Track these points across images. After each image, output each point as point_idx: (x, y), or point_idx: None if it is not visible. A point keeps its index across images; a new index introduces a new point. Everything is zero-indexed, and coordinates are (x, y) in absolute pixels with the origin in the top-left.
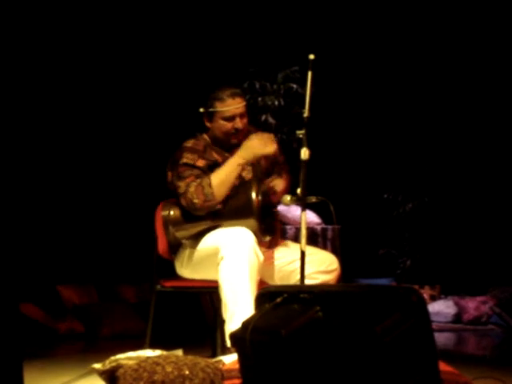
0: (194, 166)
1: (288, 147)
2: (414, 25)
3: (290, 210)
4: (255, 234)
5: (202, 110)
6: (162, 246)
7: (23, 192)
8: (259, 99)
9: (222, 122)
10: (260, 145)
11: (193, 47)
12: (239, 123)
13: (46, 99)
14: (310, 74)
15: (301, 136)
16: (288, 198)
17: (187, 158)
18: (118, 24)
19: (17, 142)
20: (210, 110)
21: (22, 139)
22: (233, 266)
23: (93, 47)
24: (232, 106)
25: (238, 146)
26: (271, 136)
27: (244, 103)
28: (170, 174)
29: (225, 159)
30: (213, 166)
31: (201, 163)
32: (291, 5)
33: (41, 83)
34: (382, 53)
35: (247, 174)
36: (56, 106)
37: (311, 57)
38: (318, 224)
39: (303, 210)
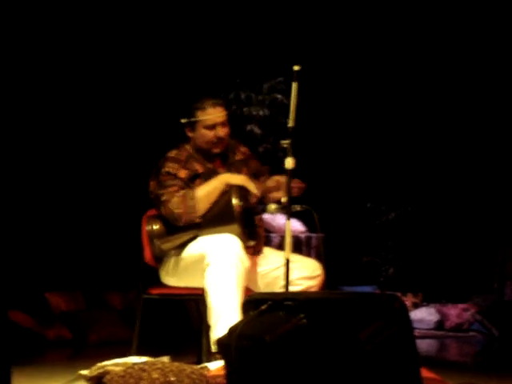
0: (175, 176)
1: (273, 157)
2: (399, 36)
3: (275, 219)
4: (239, 238)
5: (183, 120)
6: (148, 254)
7: (11, 199)
8: (245, 109)
9: (203, 130)
10: (249, 181)
11: (178, 58)
12: (221, 132)
13: (33, 101)
14: (294, 84)
15: (286, 146)
16: (273, 206)
17: (169, 168)
18: (98, 29)
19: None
20: (192, 119)
21: (6, 148)
22: (219, 272)
23: (81, 57)
24: (213, 114)
25: (220, 156)
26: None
27: (225, 112)
28: (152, 183)
29: (206, 169)
30: (194, 177)
31: (182, 174)
32: (276, 16)
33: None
34: (365, 64)
35: (227, 187)
36: (42, 116)
37: (296, 68)
38: (303, 232)
39: (288, 218)
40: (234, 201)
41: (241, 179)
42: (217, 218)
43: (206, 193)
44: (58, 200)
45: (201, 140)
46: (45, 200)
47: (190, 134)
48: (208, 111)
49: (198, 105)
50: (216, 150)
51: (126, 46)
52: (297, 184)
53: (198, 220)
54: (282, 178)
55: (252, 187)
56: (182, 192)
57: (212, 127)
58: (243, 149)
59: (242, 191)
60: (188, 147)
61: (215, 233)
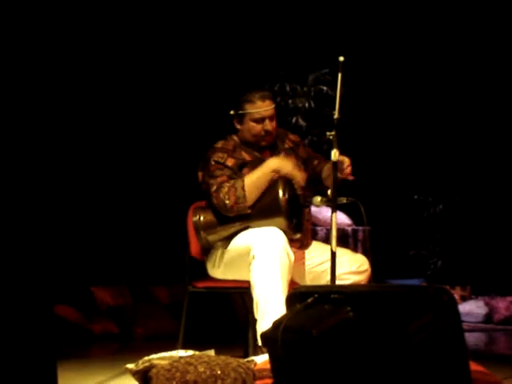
0: (224, 165)
1: (318, 149)
2: (445, 26)
3: (321, 211)
4: (285, 231)
5: (232, 112)
6: (194, 247)
7: (57, 194)
8: (290, 101)
9: (251, 123)
10: (294, 167)
11: (225, 50)
12: (268, 125)
13: (79, 98)
14: (339, 75)
15: (331, 137)
16: (319, 199)
17: (218, 157)
18: (149, 24)
19: (49, 145)
20: (240, 112)
21: (54, 142)
22: (264, 265)
23: (126, 46)
24: (262, 108)
25: (268, 148)
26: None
27: (273, 106)
28: (200, 174)
29: (254, 158)
30: (242, 165)
31: (230, 162)
32: (321, 7)
33: (78, 82)
34: (412, 54)
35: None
36: (90, 105)
37: (341, 59)
38: (349, 225)
39: (334, 211)
40: (281, 193)
41: (288, 165)
42: (263, 210)
43: (254, 180)
44: (105, 194)
45: (248, 133)
46: (91, 194)
47: (237, 126)
48: (257, 104)
49: (246, 97)
50: (263, 143)
51: (175, 37)
52: (347, 164)
53: (248, 210)
54: (342, 158)
55: (298, 175)
56: (231, 182)
57: (260, 120)
58: (292, 136)
59: (289, 183)
60: (235, 138)
61: (262, 225)
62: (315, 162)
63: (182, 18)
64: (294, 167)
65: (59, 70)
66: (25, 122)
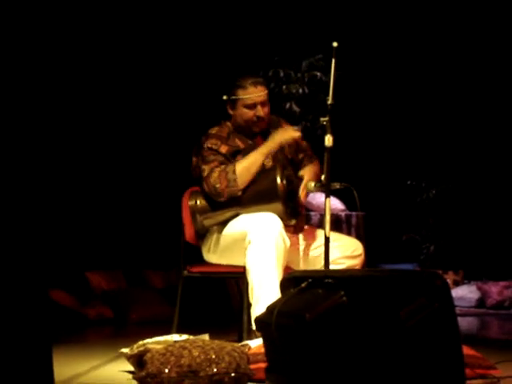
0: (217, 152)
1: (312, 134)
2: (438, 13)
3: (315, 197)
4: (281, 217)
5: (225, 97)
6: (188, 232)
7: (51, 179)
8: (284, 87)
9: (244, 109)
10: (281, 133)
11: (218, 36)
12: (261, 111)
13: (71, 86)
14: (333, 61)
15: (325, 123)
16: (312, 184)
17: (211, 143)
18: (142, 13)
19: (42, 135)
20: (233, 97)
21: (47, 132)
22: (260, 250)
23: (119, 34)
24: (254, 93)
25: (260, 134)
26: (294, 127)
27: (266, 92)
28: (194, 159)
29: (247, 146)
30: (235, 153)
31: (224, 149)
32: None
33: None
34: (405, 39)
35: (268, 162)
36: (87, 97)
37: (335, 44)
38: (343, 210)
39: (327, 196)
40: (279, 180)
41: (281, 136)
42: (261, 195)
43: (246, 165)
44: (99, 179)
45: (240, 118)
46: (85, 179)
47: (230, 112)
48: (249, 90)
49: (239, 83)
50: (256, 129)
51: (168, 27)
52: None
53: (239, 193)
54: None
55: (295, 135)
56: (222, 167)
57: (252, 106)
58: (285, 125)
59: (286, 170)
60: (229, 124)
61: (258, 210)
62: (300, 156)
63: (176, 5)
64: (281, 135)
65: (47, 64)
66: (18, 115)
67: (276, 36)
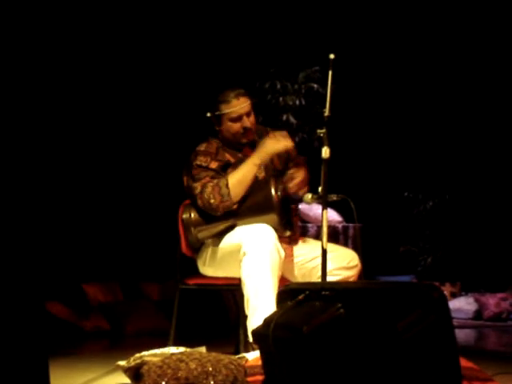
0: (207, 168)
1: (309, 146)
2: (435, 23)
3: (312, 209)
4: (276, 228)
5: (209, 114)
6: (185, 244)
7: (48, 191)
8: (280, 99)
9: (229, 123)
10: (273, 142)
11: (215, 49)
12: (247, 122)
13: (72, 98)
14: (330, 73)
15: (322, 135)
16: (309, 196)
17: (200, 161)
18: (131, 26)
19: (41, 143)
20: (217, 113)
21: (46, 138)
22: (255, 261)
23: (102, 52)
24: (237, 106)
25: (248, 145)
26: (284, 133)
27: (249, 102)
28: (185, 178)
29: (237, 159)
30: (225, 167)
31: (214, 165)
32: (311, 5)
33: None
34: (402, 51)
35: (260, 173)
36: (83, 105)
37: (331, 56)
38: (340, 222)
39: (324, 208)
40: (273, 191)
41: (265, 150)
42: (255, 207)
43: (239, 178)
44: (96, 191)
45: (228, 132)
46: (83, 191)
47: (216, 128)
48: (232, 103)
49: (221, 98)
50: (244, 140)
51: (156, 39)
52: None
53: (234, 207)
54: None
55: (287, 146)
56: (214, 181)
57: (238, 119)
58: (272, 133)
59: (280, 182)
60: (217, 140)
61: (253, 222)
62: (290, 165)
63: (172, 16)
64: (272, 145)
65: (47, 68)
66: (17, 117)
67: (273, 48)
